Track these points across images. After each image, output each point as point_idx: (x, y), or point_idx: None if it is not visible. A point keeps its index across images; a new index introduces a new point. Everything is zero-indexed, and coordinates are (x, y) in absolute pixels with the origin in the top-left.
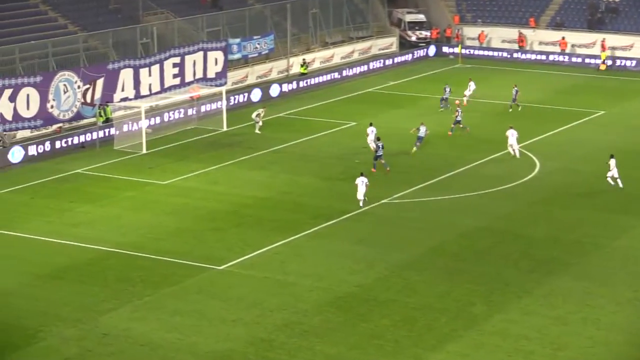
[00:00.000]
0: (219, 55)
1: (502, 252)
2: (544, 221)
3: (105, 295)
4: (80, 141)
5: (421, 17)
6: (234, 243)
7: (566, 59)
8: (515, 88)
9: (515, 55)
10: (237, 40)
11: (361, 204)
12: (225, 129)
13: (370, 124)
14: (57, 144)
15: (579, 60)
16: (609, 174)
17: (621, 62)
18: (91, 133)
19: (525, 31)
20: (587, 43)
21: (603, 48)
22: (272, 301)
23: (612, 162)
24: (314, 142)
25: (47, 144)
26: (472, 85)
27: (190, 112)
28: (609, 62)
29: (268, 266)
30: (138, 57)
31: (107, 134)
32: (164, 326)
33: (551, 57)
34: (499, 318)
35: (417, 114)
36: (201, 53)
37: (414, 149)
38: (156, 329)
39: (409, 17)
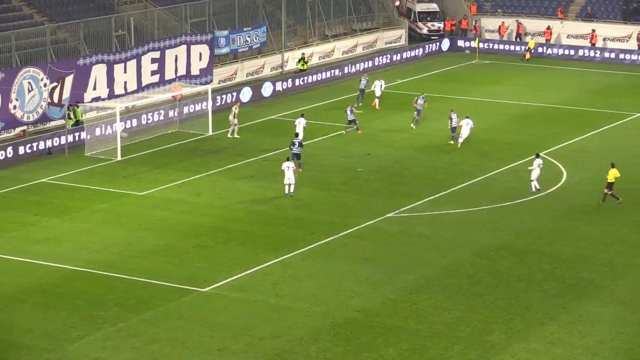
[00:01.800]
0: (204, 49)
1: (523, 274)
2: (571, 238)
3: (74, 321)
4: (47, 147)
5: (434, 7)
6: (220, 262)
7: (597, 54)
8: (453, 113)
9: (540, 49)
10: (225, 32)
11: (286, 190)
12: (210, 133)
13: (302, 115)
14: (21, 150)
15: (612, 55)
16: (533, 176)
17: None
18: (59, 137)
19: (552, 23)
20: (621, 36)
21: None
22: (263, 328)
23: (536, 162)
24: (311, 148)
25: (9, 149)
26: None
27: (171, 113)
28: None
29: (259, 288)
30: (112, 51)
31: (77, 139)
32: (140, 356)
33: (580, 52)
34: (520, 348)
35: (429, 116)
36: (184, 47)
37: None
38: (131, 359)
39: (420, 7)
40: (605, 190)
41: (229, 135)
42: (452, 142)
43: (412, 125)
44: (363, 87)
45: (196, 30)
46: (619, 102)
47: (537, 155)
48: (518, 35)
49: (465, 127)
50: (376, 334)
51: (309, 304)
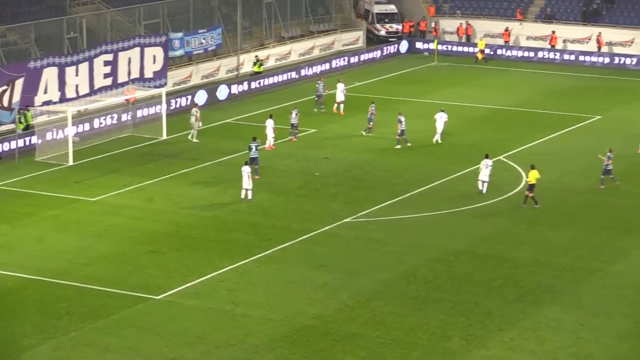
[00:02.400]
0: (158, 51)
1: (482, 279)
2: (531, 243)
3: (24, 330)
4: None
5: (392, 8)
6: (174, 269)
7: (557, 56)
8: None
9: (499, 51)
10: (180, 34)
11: (242, 195)
12: (164, 137)
13: (270, 117)
14: None
15: (572, 57)
16: (480, 176)
17: (620, 60)
18: (9, 142)
19: (510, 24)
20: (580, 38)
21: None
22: (219, 336)
23: (484, 162)
24: (267, 152)
25: None
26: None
27: (124, 117)
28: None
29: (214, 295)
30: (64, 54)
31: (27, 143)
32: None
33: (540, 54)
34: (479, 354)
35: (386, 120)
36: (137, 49)
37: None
38: None
39: (378, 8)
40: (526, 192)
41: (189, 138)
42: (398, 146)
43: (363, 132)
44: (321, 92)
45: (150, 32)
46: (579, 104)
47: (487, 156)
48: (467, 36)
49: (439, 121)
50: (334, 341)
51: (265, 311)
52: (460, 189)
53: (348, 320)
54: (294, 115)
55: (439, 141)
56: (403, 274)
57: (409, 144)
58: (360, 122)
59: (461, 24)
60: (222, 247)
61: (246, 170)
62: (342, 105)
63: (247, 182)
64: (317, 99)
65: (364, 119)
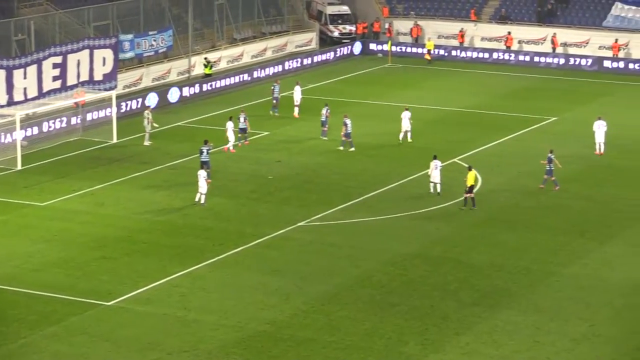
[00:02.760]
0: (108, 54)
1: (438, 282)
2: (486, 246)
3: None
4: None
5: (345, 9)
6: (125, 274)
7: (512, 57)
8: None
9: (454, 53)
10: (130, 36)
11: (197, 198)
12: (114, 140)
13: (230, 119)
14: None
15: (527, 58)
16: (431, 178)
17: (575, 61)
18: None
19: (465, 25)
20: (535, 39)
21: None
22: (171, 342)
23: (433, 163)
24: (220, 155)
25: None
26: (297, 90)
27: (73, 121)
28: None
29: (166, 301)
30: (12, 56)
31: None
32: None
33: (495, 55)
34: (435, 359)
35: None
36: (87, 51)
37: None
38: None
39: (331, 9)
40: (465, 195)
41: (145, 143)
42: (341, 147)
43: (323, 137)
44: (277, 95)
45: (99, 34)
46: (535, 106)
47: (435, 157)
48: (416, 37)
49: (405, 121)
50: (288, 346)
51: (218, 316)
52: (415, 192)
53: (303, 326)
54: (242, 119)
55: (409, 140)
56: (358, 278)
57: (352, 149)
58: (313, 125)
59: (414, 24)
60: (174, 252)
61: (202, 174)
62: (297, 108)
63: (202, 186)
64: (274, 102)
65: (317, 121)
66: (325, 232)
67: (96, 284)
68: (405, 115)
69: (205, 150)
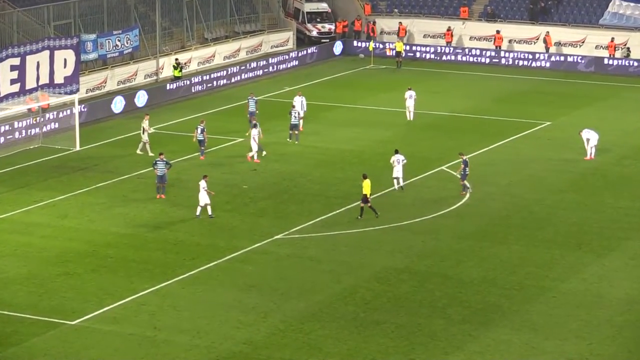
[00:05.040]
0: (70, 55)
1: (425, 299)
2: (476, 259)
3: None
4: None
5: (323, 7)
6: (90, 292)
7: (503, 57)
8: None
9: (440, 52)
10: (93, 36)
11: (198, 212)
12: (77, 148)
13: (255, 126)
14: None
15: (519, 58)
16: (394, 173)
17: (572, 59)
18: None
19: (453, 23)
20: (528, 38)
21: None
22: None
23: (395, 158)
24: (190, 163)
25: None
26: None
27: (32, 127)
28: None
29: (134, 320)
30: None
31: None
32: None
33: (485, 56)
34: None
35: (318, 129)
36: (47, 52)
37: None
38: None
39: (309, 7)
40: (361, 204)
41: (138, 152)
42: (289, 140)
43: (290, 140)
44: (252, 109)
45: (60, 34)
46: (527, 110)
47: (396, 152)
48: (403, 37)
49: (410, 100)
50: None
51: (190, 336)
52: (400, 202)
53: (281, 346)
54: (199, 130)
55: (410, 119)
56: (340, 295)
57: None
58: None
59: (400, 23)
60: (143, 267)
61: (202, 185)
62: (301, 121)
63: (203, 198)
64: (249, 116)
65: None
66: (305, 245)
67: (59, 302)
68: (409, 95)
69: (161, 164)
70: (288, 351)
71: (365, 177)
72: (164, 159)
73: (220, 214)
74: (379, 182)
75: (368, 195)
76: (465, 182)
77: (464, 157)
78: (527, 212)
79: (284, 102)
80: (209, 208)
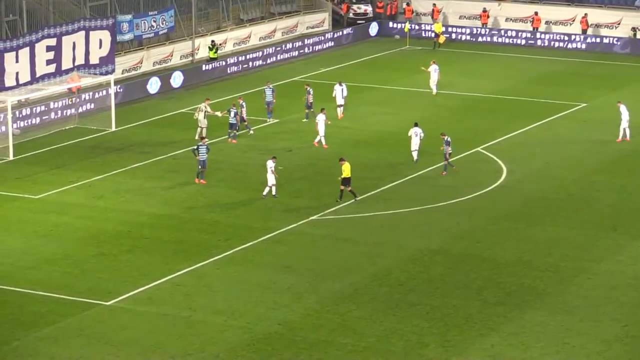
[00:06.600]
0: (105, 35)
1: (460, 281)
2: (512, 241)
3: None
4: None
5: None
6: (125, 272)
7: (539, 39)
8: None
9: (476, 34)
10: (128, 17)
11: (265, 192)
12: (113, 129)
13: (322, 110)
14: None
15: (555, 40)
16: (412, 147)
17: (608, 40)
18: None
19: (488, 5)
20: (565, 19)
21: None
22: (175, 344)
23: (414, 131)
24: (226, 144)
25: None
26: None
27: (69, 107)
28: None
29: (169, 300)
30: (2, 38)
31: None
32: None
33: (521, 37)
34: None
35: (353, 110)
36: (82, 33)
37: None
38: None
39: None
40: (341, 187)
41: (196, 138)
42: (305, 120)
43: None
44: (270, 99)
45: (96, 15)
46: (563, 91)
47: (416, 124)
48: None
49: (434, 74)
50: (300, 349)
51: (225, 317)
52: (434, 183)
53: (316, 327)
54: (232, 114)
55: (434, 92)
56: (375, 276)
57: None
58: (328, 111)
59: (434, 5)
60: (178, 248)
61: (270, 165)
62: (341, 109)
63: (270, 179)
64: (267, 106)
65: (330, 108)
66: (340, 227)
67: (94, 283)
68: (434, 69)
69: (203, 148)
70: (323, 332)
71: (343, 160)
72: (206, 144)
73: (256, 195)
74: (414, 164)
75: (345, 178)
76: (449, 162)
77: (446, 137)
78: (563, 193)
79: (321, 83)
80: (273, 188)
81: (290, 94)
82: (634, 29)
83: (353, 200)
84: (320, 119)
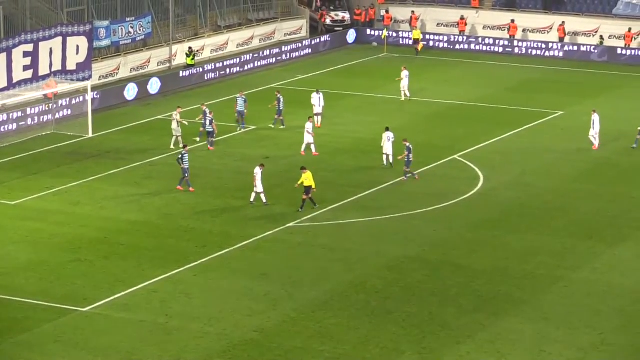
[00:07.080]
0: (83, 41)
1: (437, 288)
2: (489, 249)
3: None
4: None
5: None
6: (101, 279)
7: (517, 47)
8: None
9: (454, 41)
10: (106, 23)
11: (252, 198)
12: (90, 135)
13: (310, 119)
14: None
15: (532, 48)
16: (384, 150)
17: (585, 48)
18: None
19: (466, 12)
20: (542, 27)
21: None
22: (151, 351)
23: (386, 135)
24: (202, 151)
25: None
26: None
27: (45, 113)
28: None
29: (145, 307)
30: None
31: None
32: None
33: (498, 45)
34: None
35: (330, 117)
36: (60, 39)
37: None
38: None
39: None
40: (303, 196)
41: (171, 147)
42: (271, 125)
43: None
44: (241, 108)
45: (73, 21)
46: (540, 99)
47: (387, 129)
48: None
49: (405, 79)
50: (276, 356)
51: (201, 324)
52: (412, 191)
53: (292, 334)
54: (208, 121)
55: (407, 96)
56: (351, 283)
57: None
58: (302, 119)
59: (413, 12)
60: (154, 254)
61: (257, 172)
62: (318, 118)
63: (259, 186)
64: (238, 116)
65: (306, 115)
66: (317, 234)
67: (71, 289)
68: (405, 74)
69: (187, 156)
70: (299, 339)
71: (304, 169)
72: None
73: (232, 202)
74: (391, 171)
75: (313, 187)
76: (409, 169)
77: (408, 144)
78: (539, 201)
79: (297, 90)
80: (262, 196)
81: (268, 101)
82: (601, 37)
83: (313, 207)
84: (308, 127)
